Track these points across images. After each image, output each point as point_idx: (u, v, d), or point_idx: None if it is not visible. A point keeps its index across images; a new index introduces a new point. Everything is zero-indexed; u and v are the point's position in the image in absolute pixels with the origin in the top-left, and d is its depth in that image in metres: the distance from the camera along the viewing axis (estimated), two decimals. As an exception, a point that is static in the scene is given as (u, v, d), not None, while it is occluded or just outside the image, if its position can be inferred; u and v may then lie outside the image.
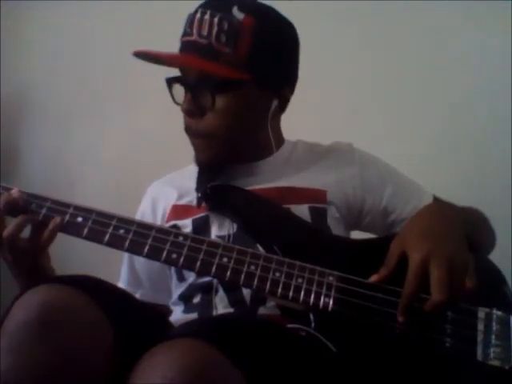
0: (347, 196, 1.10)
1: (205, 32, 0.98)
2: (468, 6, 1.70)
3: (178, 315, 1.06)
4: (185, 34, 1.03)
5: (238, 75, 0.99)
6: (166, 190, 1.17)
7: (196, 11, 1.02)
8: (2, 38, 2.17)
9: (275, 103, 1.07)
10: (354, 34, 1.83)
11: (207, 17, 0.99)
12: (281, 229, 1.00)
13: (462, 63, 1.74)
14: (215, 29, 0.98)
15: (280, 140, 1.16)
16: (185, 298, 1.06)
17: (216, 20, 0.98)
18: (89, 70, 2.11)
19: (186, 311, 1.05)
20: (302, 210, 1.04)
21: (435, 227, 0.91)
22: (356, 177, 1.12)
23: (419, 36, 1.78)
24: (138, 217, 1.17)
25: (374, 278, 0.89)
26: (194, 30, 1.00)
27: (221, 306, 0.99)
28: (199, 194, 1.04)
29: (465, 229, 0.92)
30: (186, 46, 1.02)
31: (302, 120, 1.53)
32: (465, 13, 1.72)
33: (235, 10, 0.99)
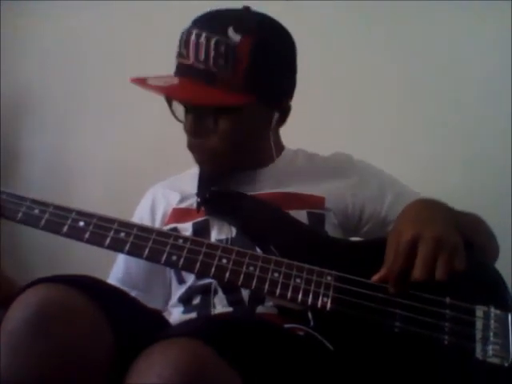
0: (346, 203, 1.11)
1: (201, 56, 0.98)
2: (468, 5, 1.70)
3: (177, 316, 1.08)
4: (181, 55, 1.02)
5: (239, 100, 0.99)
6: (167, 192, 1.18)
7: (190, 31, 1.00)
8: (1, 38, 2.19)
9: (276, 116, 1.09)
10: (354, 35, 1.83)
11: (203, 40, 0.98)
12: (279, 230, 1.00)
13: (461, 63, 1.74)
14: (212, 53, 0.97)
15: (280, 147, 1.19)
16: (184, 300, 1.07)
17: (212, 43, 0.97)
18: (88, 72, 2.11)
19: (185, 312, 1.06)
20: (300, 215, 1.05)
21: (424, 213, 0.92)
22: (356, 186, 1.13)
23: (419, 37, 1.78)
24: (136, 217, 1.19)
25: (375, 278, 0.89)
26: (191, 54, 0.99)
27: (220, 306, 1.01)
28: (199, 199, 1.06)
29: (455, 219, 0.93)
30: (184, 71, 1.02)
31: (301, 125, 1.54)
32: (465, 13, 1.72)
33: (231, 32, 0.98)
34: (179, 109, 1.05)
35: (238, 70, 0.98)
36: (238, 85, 0.99)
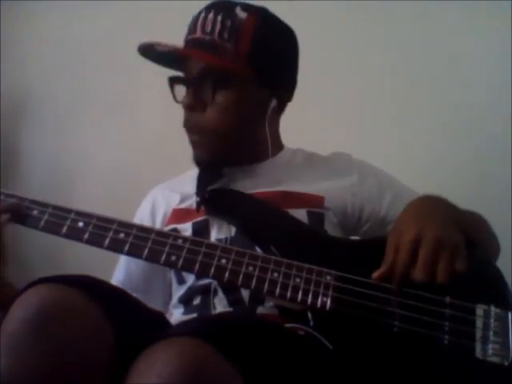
0: (345, 203, 1.11)
1: (208, 29, 1.03)
2: (468, 5, 1.70)
3: (177, 317, 1.08)
4: (189, 32, 1.07)
5: (239, 68, 1.02)
6: (167, 194, 1.19)
7: (200, 12, 1.06)
8: (1, 39, 2.19)
9: (274, 103, 1.10)
10: (354, 35, 1.83)
11: (211, 15, 1.03)
12: (278, 229, 1.01)
13: (461, 63, 1.74)
14: (218, 26, 1.02)
15: (279, 145, 1.19)
16: (184, 301, 1.07)
17: (219, 18, 1.02)
18: (88, 72, 2.12)
19: (185, 313, 1.06)
20: (300, 215, 1.05)
21: (425, 211, 0.93)
22: (355, 185, 1.13)
23: (419, 37, 1.78)
24: (136, 219, 1.19)
25: (375, 275, 0.89)
26: (198, 28, 1.04)
27: (220, 306, 1.01)
28: (198, 198, 1.06)
29: (456, 216, 0.94)
30: (190, 43, 1.06)
31: (301, 124, 1.54)
32: (465, 13, 1.72)
33: (238, 10, 1.04)
34: (180, 93, 1.07)
35: (240, 44, 1.02)
36: (239, 58, 1.02)
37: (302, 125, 1.56)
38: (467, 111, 1.71)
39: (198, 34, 1.03)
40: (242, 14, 1.03)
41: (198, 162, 1.10)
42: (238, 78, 1.04)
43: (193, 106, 1.05)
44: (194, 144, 1.09)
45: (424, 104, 1.75)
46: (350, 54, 1.82)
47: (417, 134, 1.75)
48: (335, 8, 1.82)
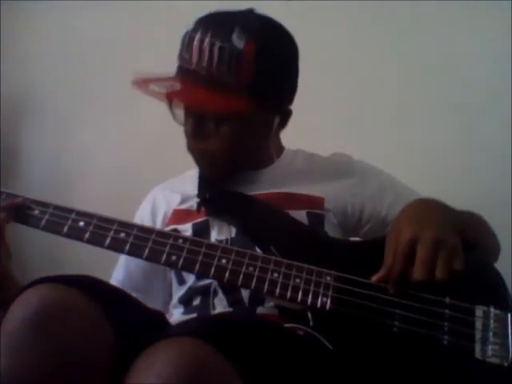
0: (345, 204, 1.11)
1: (205, 62, 0.97)
2: (468, 5, 1.70)
3: (177, 317, 1.07)
4: (183, 59, 1.01)
5: (240, 106, 0.99)
6: (168, 194, 1.19)
7: (193, 35, 0.99)
8: (1, 39, 2.19)
9: (277, 120, 1.09)
10: (354, 35, 1.83)
11: (206, 45, 0.97)
12: (278, 230, 1.01)
13: (461, 63, 1.74)
14: (215, 59, 0.96)
15: (280, 149, 1.19)
16: (184, 301, 1.08)
17: (216, 49, 0.96)
18: (88, 72, 2.12)
19: (185, 313, 1.06)
20: (300, 216, 1.05)
21: (422, 213, 0.93)
22: (356, 186, 1.13)
23: (419, 37, 1.78)
24: (137, 219, 1.19)
25: (374, 279, 0.90)
26: (194, 59, 0.98)
27: (220, 307, 1.01)
28: (198, 199, 1.06)
29: (454, 219, 0.93)
30: (186, 74, 1.01)
31: (301, 125, 1.54)
32: (465, 13, 1.73)
33: (235, 37, 0.97)
34: (179, 111, 1.05)
35: (240, 77, 0.98)
36: (239, 91, 0.99)
37: (302, 125, 1.55)
38: (467, 111, 1.71)
39: (195, 66, 0.98)
40: (239, 42, 0.96)
41: (203, 175, 1.11)
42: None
43: (196, 136, 1.04)
44: (198, 164, 1.10)
45: (424, 104, 1.76)
46: (349, 54, 1.82)
47: (417, 134, 1.75)
48: (335, 8, 1.81)
